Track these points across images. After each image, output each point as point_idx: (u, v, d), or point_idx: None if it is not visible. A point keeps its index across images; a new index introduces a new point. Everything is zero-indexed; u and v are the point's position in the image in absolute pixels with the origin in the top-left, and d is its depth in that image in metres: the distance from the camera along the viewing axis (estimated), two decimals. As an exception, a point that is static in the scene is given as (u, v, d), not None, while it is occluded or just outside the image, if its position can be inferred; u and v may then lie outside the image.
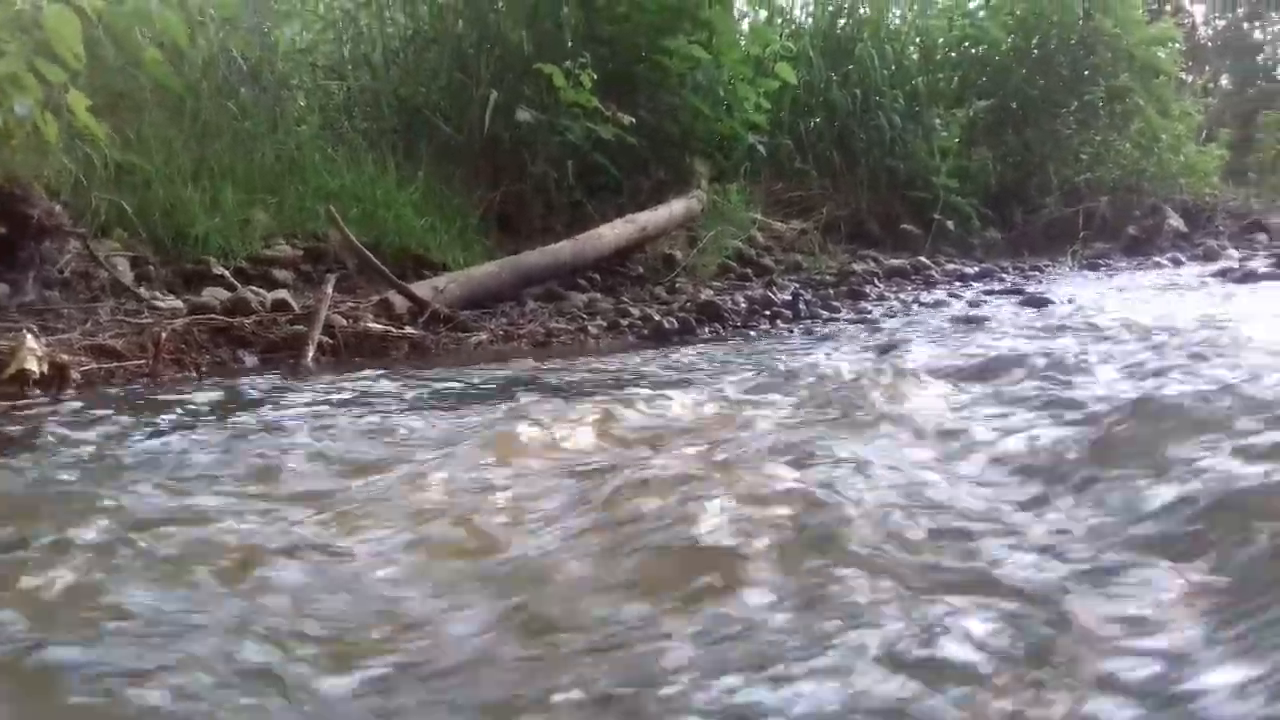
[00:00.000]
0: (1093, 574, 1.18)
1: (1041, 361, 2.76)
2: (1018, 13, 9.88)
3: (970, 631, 0.99)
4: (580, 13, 6.90)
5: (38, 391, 2.85)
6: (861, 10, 9.17)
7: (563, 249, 5.68)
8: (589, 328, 4.74)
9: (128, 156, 4.61)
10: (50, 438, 2.20)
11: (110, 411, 2.54)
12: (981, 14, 9.94)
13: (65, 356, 3.03)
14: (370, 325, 4.25)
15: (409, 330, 4.32)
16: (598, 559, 1.29)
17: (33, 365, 2.86)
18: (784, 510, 1.32)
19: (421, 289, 4.74)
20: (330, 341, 3.99)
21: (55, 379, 2.93)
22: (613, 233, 6.05)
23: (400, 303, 4.63)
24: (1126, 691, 0.91)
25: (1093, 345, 3.09)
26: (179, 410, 2.61)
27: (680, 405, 2.15)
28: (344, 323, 4.21)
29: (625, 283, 6.17)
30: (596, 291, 5.83)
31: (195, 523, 1.50)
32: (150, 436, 2.25)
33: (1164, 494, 1.42)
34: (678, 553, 1.25)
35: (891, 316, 4.87)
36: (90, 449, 2.10)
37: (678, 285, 6.16)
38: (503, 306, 5.19)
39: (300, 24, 7.18)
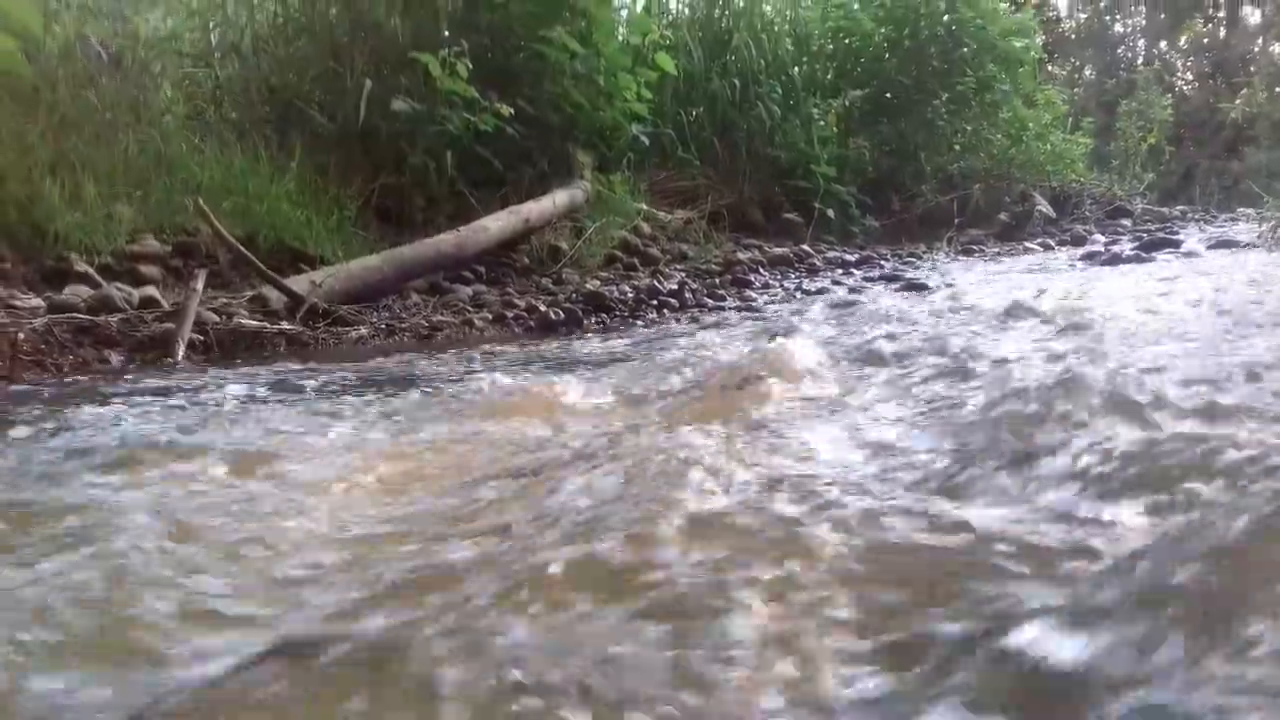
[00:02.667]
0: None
1: (919, 344, 2.83)
2: (888, 4, 10.09)
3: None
4: (457, 1, 6.79)
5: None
6: (738, 1, 9.24)
7: (445, 241, 5.59)
8: (474, 320, 4.68)
9: (-22, 150, 4.36)
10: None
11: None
12: (855, 5, 10.13)
13: (-90, 360, 2.85)
14: (244, 321, 4.11)
15: (285, 326, 4.20)
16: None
17: (-127, 370, 2.68)
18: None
19: (298, 283, 4.61)
20: (202, 339, 3.86)
21: (-100, 384, 2.75)
22: (496, 224, 5.97)
23: (276, 298, 4.51)
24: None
25: (965, 327, 3.17)
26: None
27: (565, 395, 2.12)
28: (216, 319, 4.08)
29: (511, 274, 6.11)
30: (482, 284, 5.76)
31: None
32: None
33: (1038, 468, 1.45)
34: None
35: (776, 304, 4.93)
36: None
37: (564, 276, 6.13)
38: (385, 301, 5.08)
39: (163, 11, 6.90)
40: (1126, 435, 1.38)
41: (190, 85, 6.25)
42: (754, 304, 5.00)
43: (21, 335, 3.28)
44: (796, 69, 9.39)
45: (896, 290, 5.07)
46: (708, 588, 0.99)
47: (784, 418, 1.84)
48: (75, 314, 3.72)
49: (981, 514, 1.20)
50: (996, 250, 8.04)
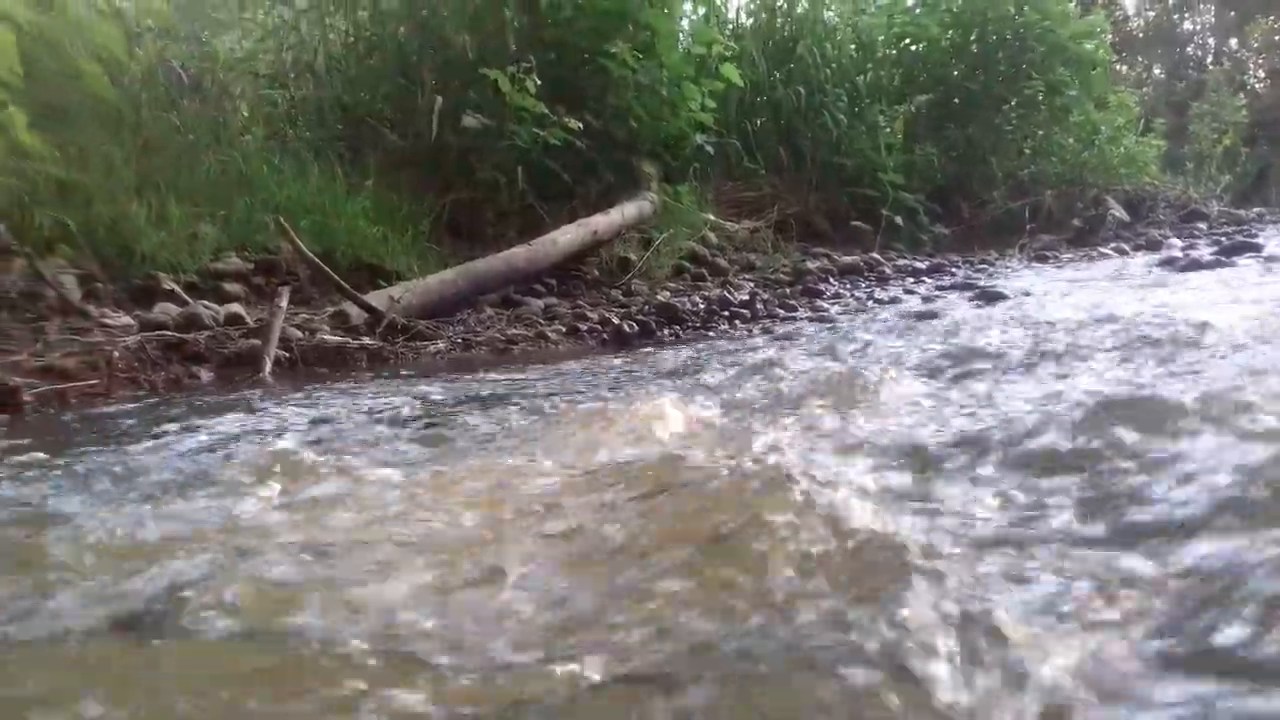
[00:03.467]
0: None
1: (1003, 356, 2.80)
2: (954, 9, 10.00)
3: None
4: (524, 17, 6.86)
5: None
6: (800, 8, 9.22)
7: (517, 255, 5.65)
8: (548, 333, 4.71)
9: (70, 173, 4.49)
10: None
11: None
12: (919, 10, 10.05)
13: (16, 379, 2.95)
14: (327, 337, 4.19)
15: (366, 341, 4.27)
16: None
17: (-17, 389, 2.78)
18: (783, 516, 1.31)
19: (377, 299, 4.69)
20: (287, 355, 3.93)
21: (6, 400, 2.85)
22: (565, 237, 6.02)
23: (356, 313, 4.58)
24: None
25: (1048, 338, 3.12)
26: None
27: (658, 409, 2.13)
28: (300, 335, 4.15)
29: (581, 286, 6.15)
30: (553, 296, 5.80)
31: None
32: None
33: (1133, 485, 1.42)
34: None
35: (849, 314, 4.90)
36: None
37: (633, 288, 6.16)
38: (460, 314, 5.14)
39: (239, 33, 7.07)
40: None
41: (266, 106, 6.38)
42: (826, 314, 4.97)
43: (116, 353, 3.38)
44: (861, 76, 9.34)
45: (971, 299, 5.01)
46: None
47: (885, 435, 1.83)
48: (166, 331, 3.82)
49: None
50: (1070, 256, 7.90)
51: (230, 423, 2.57)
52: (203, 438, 2.34)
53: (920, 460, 1.74)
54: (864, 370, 2.54)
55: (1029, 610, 1.08)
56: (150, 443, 2.30)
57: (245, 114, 6.18)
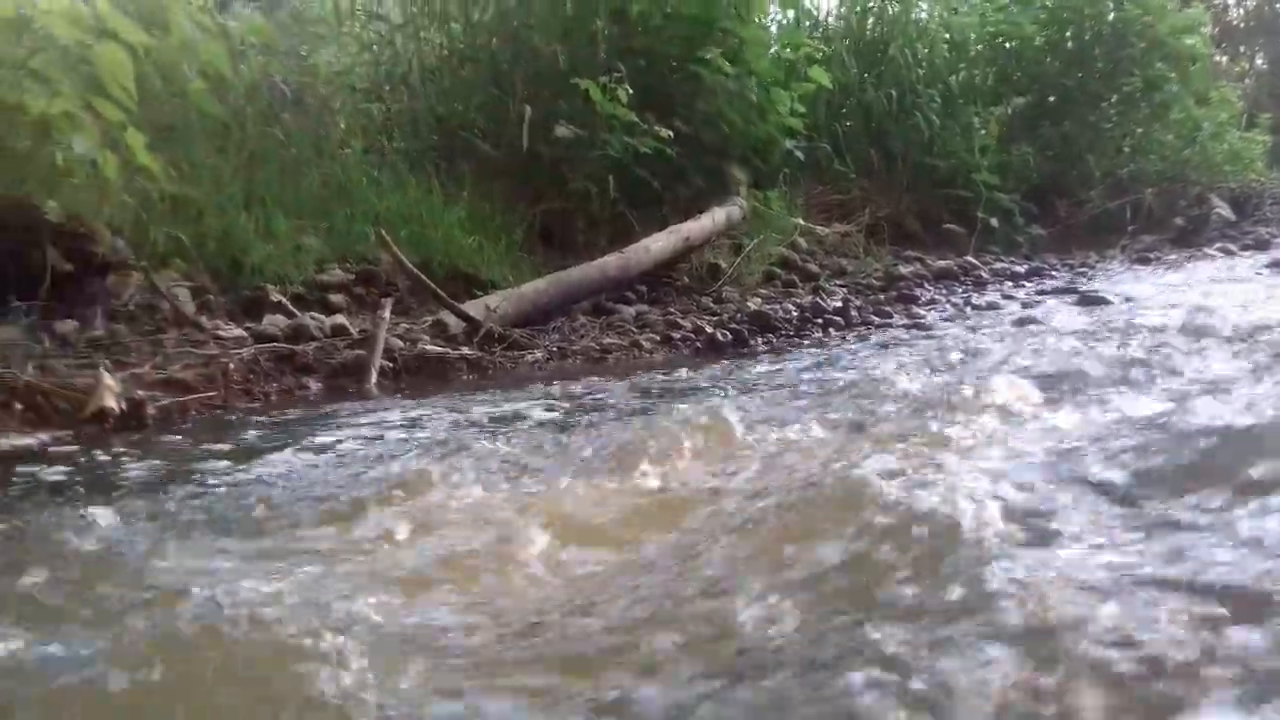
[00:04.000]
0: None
1: (1110, 367, 2.73)
2: (1050, 5, 9.80)
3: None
4: (614, 26, 6.90)
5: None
6: (891, 9, 9.12)
7: (609, 263, 5.69)
8: (642, 342, 4.73)
9: (181, 188, 4.66)
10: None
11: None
12: (1013, 8, 9.86)
13: (140, 392, 3.07)
14: (428, 347, 4.27)
15: (466, 351, 4.34)
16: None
17: (111, 403, 2.90)
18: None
19: (474, 308, 4.76)
20: (391, 365, 4.02)
21: (132, 415, 2.96)
22: (657, 245, 6.04)
23: (454, 323, 4.66)
24: None
25: (1159, 348, 3.05)
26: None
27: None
28: (402, 345, 4.24)
29: (672, 293, 6.17)
30: (644, 303, 5.83)
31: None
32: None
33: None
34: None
35: (946, 321, 4.83)
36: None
37: (724, 294, 6.15)
38: (554, 323, 5.19)
39: (336, 47, 7.23)
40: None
41: (364, 118, 6.52)
42: (922, 321, 4.91)
43: (232, 365, 3.49)
44: (954, 76, 9.20)
45: (1072, 304, 4.92)
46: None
47: (997, 452, 1.81)
48: (278, 343, 3.93)
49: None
50: (1174, 257, 7.68)
51: (354, 434, 2.65)
52: (332, 451, 2.42)
53: (1035, 480, 1.72)
54: (969, 382, 2.50)
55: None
56: (308, 454, 2.38)
57: (344, 127, 6.32)
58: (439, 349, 4.29)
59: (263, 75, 6.15)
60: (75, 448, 2.68)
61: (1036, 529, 1.37)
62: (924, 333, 4.45)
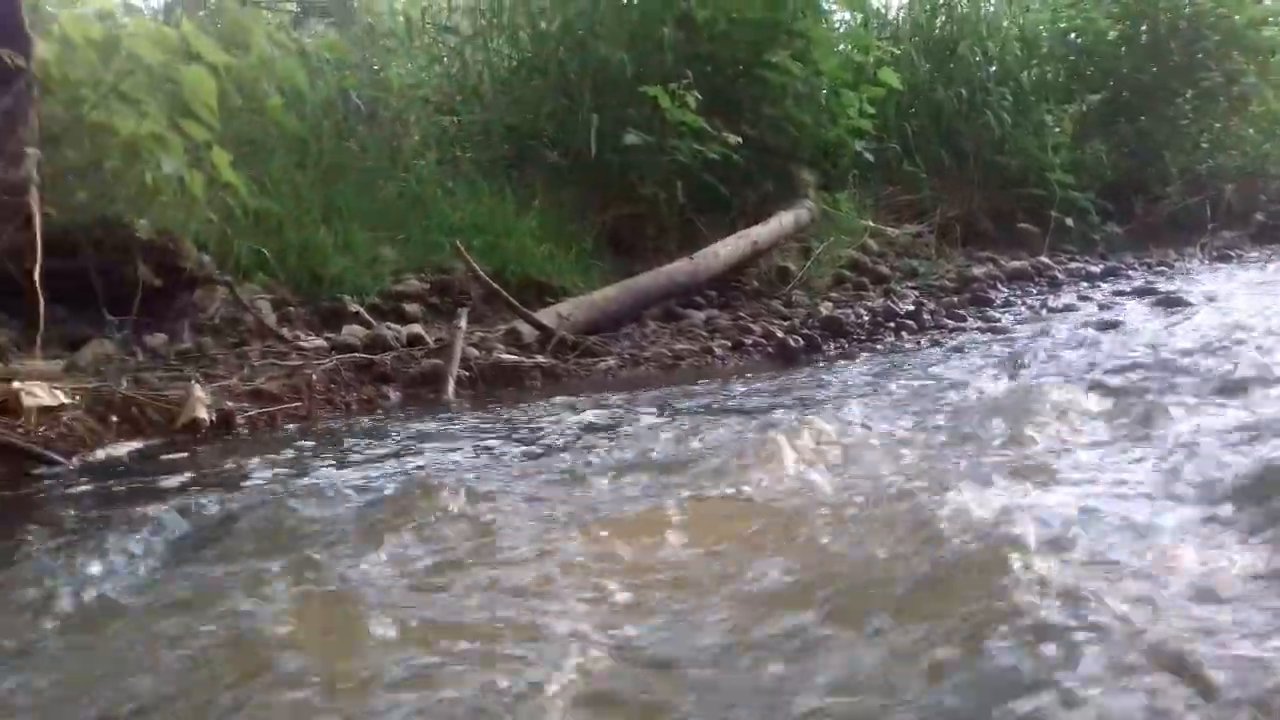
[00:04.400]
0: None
1: (1195, 374, 2.69)
2: (1124, 0, 9.62)
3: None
4: (680, 32, 6.92)
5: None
6: (962, 7, 9.03)
7: (679, 269, 5.71)
8: (714, 348, 4.74)
9: (263, 203, 4.78)
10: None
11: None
12: (1086, 3, 9.69)
13: (229, 403, 3.16)
14: (503, 356, 4.33)
15: (540, 359, 4.39)
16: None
17: (203, 414, 2.99)
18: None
19: (546, 316, 4.81)
20: (467, 374, 4.08)
21: (222, 425, 3.06)
22: (726, 249, 6.05)
23: (528, 331, 4.71)
24: None
25: (1243, 352, 2.99)
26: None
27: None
28: (478, 354, 4.30)
29: (741, 297, 6.17)
30: (714, 308, 5.84)
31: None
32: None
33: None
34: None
35: (1022, 324, 4.77)
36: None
37: (794, 298, 6.14)
38: (624, 329, 5.22)
39: (408, 60, 7.36)
40: None
41: (437, 130, 6.62)
42: (997, 324, 4.85)
43: (314, 376, 3.58)
44: (1025, 73, 9.07)
45: (1152, 306, 4.82)
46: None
47: (1080, 465, 1.80)
48: (358, 353, 4.02)
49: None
50: (1255, 254, 7.49)
51: (445, 443, 2.71)
52: (424, 457, 2.48)
53: (1120, 493, 1.70)
54: (1050, 391, 2.48)
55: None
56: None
57: (417, 139, 6.43)
58: (514, 357, 4.34)
59: (338, 90, 6.29)
60: (183, 454, 2.79)
61: (1133, 548, 1.36)
62: (999, 336, 4.40)
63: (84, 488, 2.45)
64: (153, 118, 4.03)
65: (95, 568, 1.67)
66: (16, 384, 2.92)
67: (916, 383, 3.07)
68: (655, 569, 1.53)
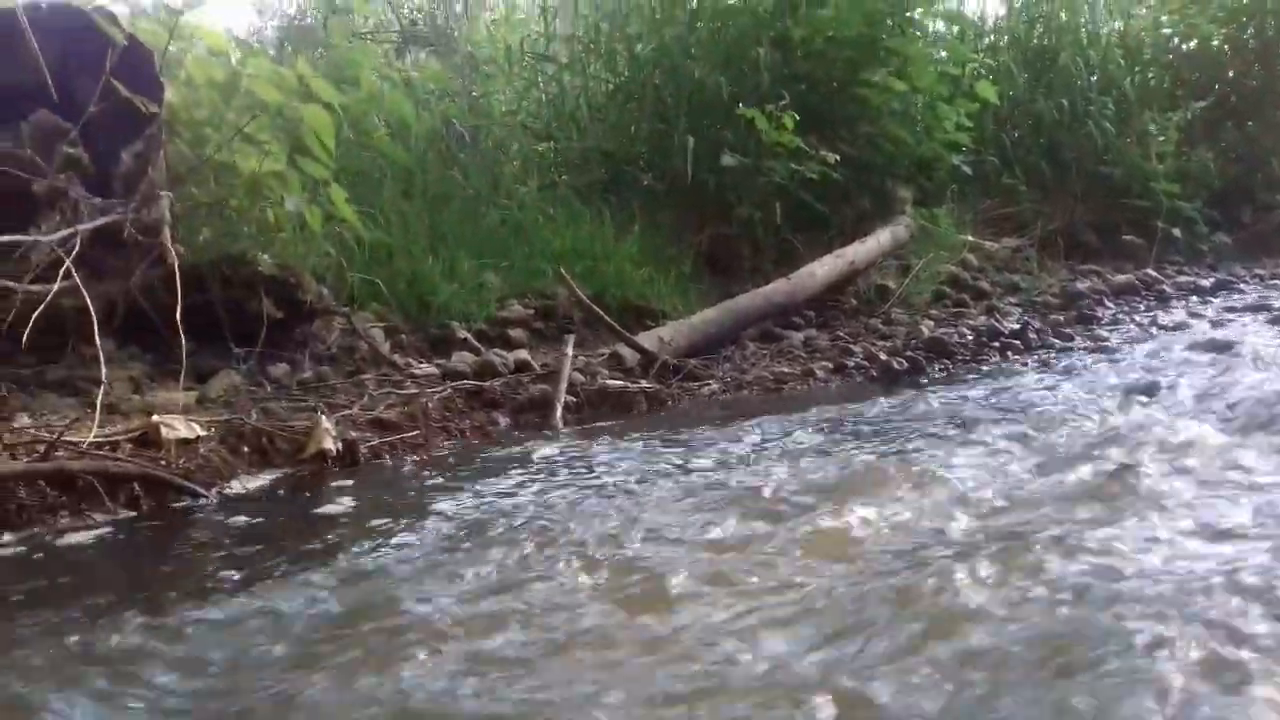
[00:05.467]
0: None
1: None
2: (1228, 3, 9.35)
3: None
4: (776, 53, 6.95)
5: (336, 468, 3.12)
6: (1062, 16, 8.89)
7: (776, 290, 5.73)
8: (815, 370, 4.75)
9: (375, 235, 4.94)
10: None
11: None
12: (1191, 8, 9.45)
13: (353, 433, 3.29)
14: (608, 381, 4.40)
15: (644, 384, 4.45)
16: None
17: (329, 444, 3.12)
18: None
19: (647, 339, 4.87)
20: (574, 399, 4.16)
21: (347, 455, 3.19)
22: (823, 269, 6.06)
23: (629, 355, 4.78)
24: None
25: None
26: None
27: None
28: (583, 379, 4.38)
29: (840, 316, 6.16)
30: (812, 328, 5.84)
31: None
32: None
33: None
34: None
35: (1131, 344, 4.68)
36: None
37: (893, 316, 6.11)
38: (724, 351, 5.26)
39: (508, 88, 7.51)
40: None
41: (537, 157, 6.75)
42: (1107, 344, 4.77)
43: (430, 404, 3.70)
44: (1128, 81, 8.87)
45: (1268, 323, 4.69)
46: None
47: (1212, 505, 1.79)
48: (469, 380, 4.14)
49: None
50: (1379, 265, 7.21)
51: (558, 471, 2.81)
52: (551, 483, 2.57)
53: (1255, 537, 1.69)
54: (1166, 420, 2.46)
55: None
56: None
57: (517, 165, 6.56)
58: (619, 382, 4.41)
59: (442, 119, 6.47)
60: (317, 484, 2.92)
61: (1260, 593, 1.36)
62: (1108, 357, 4.33)
63: (237, 519, 2.58)
64: (274, 156, 4.21)
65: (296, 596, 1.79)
66: (156, 417, 3.08)
67: (1029, 409, 3.05)
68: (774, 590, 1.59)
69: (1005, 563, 1.54)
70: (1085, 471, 2.13)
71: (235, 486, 2.93)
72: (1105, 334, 5.11)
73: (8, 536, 2.49)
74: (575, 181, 6.73)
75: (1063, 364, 4.34)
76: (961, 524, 1.83)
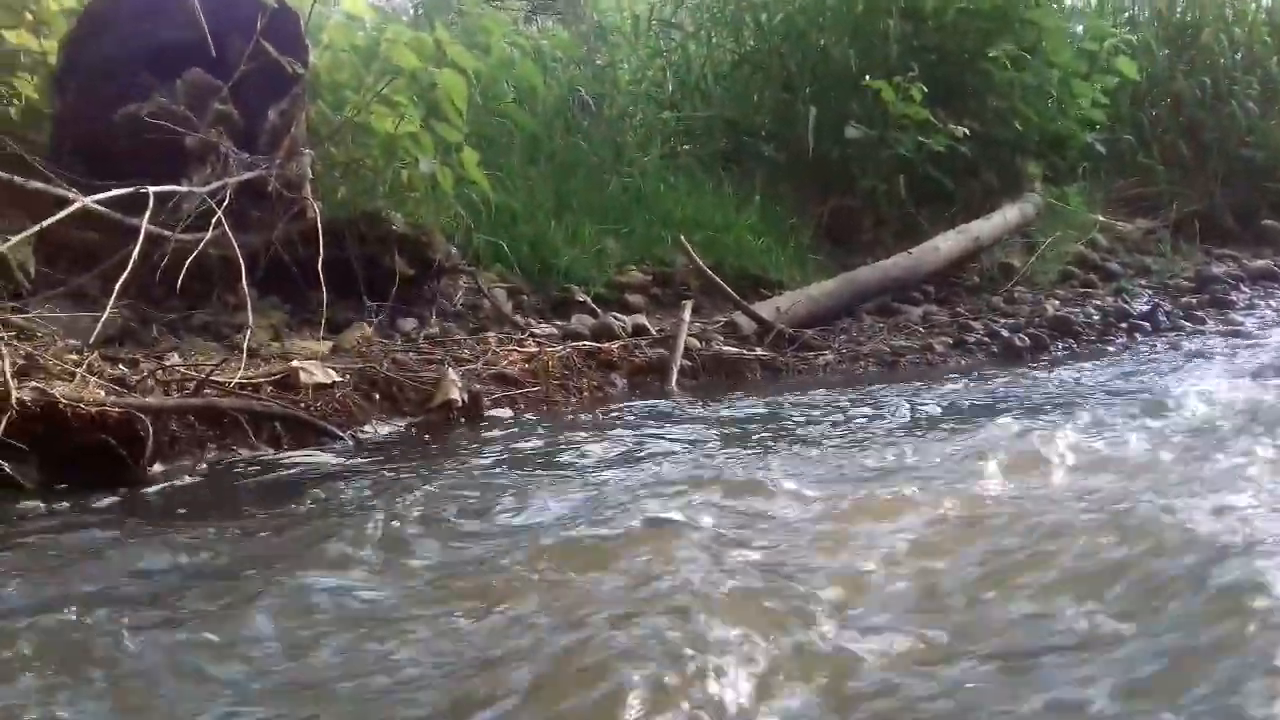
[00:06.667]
0: None
1: None
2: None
3: None
4: (905, 24, 6.84)
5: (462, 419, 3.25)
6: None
7: (897, 264, 5.68)
8: (934, 345, 4.71)
9: (501, 198, 5.06)
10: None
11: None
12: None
13: (478, 386, 3.41)
14: (724, 348, 4.45)
15: (759, 352, 4.48)
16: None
17: (455, 395, 3.25)
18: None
19: (764, 309, 4.89)
20: (689, 364, 4.22)
21: (472, 406, 3.31)
22: (946, 244, 5.97)
23: (745, 324, 4.81)
24: None
25: None
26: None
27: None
28: (698, 345, 4.44)
29: (960, 293, 6.07)
30: (931, 304, 5.77)
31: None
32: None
33: None
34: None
35: (1267, 328, 4.51)
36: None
37: (1016, 295, 6.00)
38: (840, 323, 5.24)
39: (633, 56, 7.55)
40: None
41: (660, 126, 6.79)
42: (1241, 329, 4.61)
43: (550, 362, 3.80)
44: (1275, 59, 8.45)
45: None
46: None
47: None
48: (587, 341, 4.23)
49: None
50: None
51: (681, 430, 2.88)
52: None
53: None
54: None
55: None
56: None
57: (641, 134, 6.61)
58: (734, 350, 4.46)
59: (569, 88, 6.55)
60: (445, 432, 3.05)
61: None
62: (1243, 341, 4.19)
63: (368, 460, 2.72)
64: (409, 119, 4.36)
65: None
66: (295, 362, 3.25)
67: (1158, 389, 2.98)
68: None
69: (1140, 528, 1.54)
70: (1221, 453, 2.09)
71: (368, 430, 3.07)
72: (1239, 318, 4.93)
73: (159, 466, 2.66)
74: (697, 151, 6.75)
75: (1192, 346, 4.22)
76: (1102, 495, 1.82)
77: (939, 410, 3.05)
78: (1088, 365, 3.97)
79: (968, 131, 6.31)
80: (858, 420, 3.00)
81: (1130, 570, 1.42)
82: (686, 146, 6.80)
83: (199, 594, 1.68)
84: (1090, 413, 2.61)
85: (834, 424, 2.97)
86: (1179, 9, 8.51)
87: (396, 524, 1.94)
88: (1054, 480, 1.96)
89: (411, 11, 7.31)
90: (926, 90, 6.22)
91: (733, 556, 1.66)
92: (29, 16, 4.19)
